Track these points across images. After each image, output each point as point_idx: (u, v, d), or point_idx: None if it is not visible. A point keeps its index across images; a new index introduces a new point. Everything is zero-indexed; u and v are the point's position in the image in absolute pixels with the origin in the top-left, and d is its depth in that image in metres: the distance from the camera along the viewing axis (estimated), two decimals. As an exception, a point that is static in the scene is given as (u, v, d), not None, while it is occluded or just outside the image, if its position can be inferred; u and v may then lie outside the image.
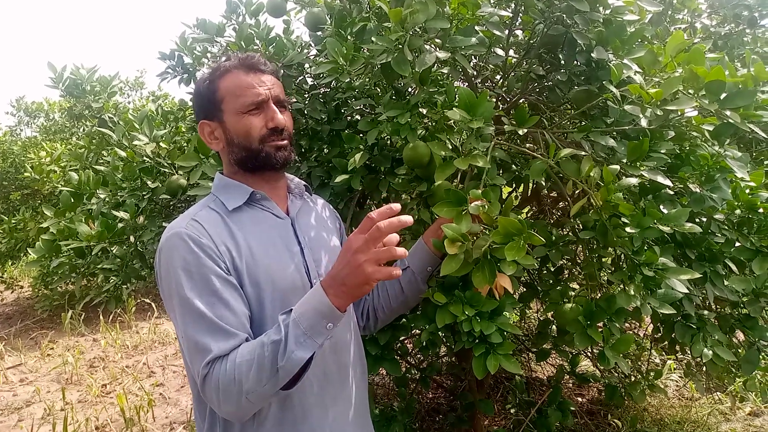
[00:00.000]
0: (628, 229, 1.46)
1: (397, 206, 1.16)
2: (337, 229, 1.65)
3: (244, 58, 1.40)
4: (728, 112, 1.38)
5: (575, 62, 1.85)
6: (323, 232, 1.52)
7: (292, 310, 1.19)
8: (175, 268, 1.23)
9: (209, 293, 1.21)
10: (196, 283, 1.21)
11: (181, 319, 1.22)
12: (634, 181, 1.52)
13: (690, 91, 1.42)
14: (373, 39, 1.61)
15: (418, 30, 1.60)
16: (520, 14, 1.98)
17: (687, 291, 1.51)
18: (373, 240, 1.14)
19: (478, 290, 1.47)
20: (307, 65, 2.22)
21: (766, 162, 1.78)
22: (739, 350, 1.94)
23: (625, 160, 1.57)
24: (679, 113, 1.47)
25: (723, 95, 1.40)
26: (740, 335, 1.92)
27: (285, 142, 1.41)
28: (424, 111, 1.78)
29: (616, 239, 1.53)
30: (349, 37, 1.85)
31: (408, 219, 1.15)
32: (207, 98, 1.40)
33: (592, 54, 1.65)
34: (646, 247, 1.54)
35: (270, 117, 1.37)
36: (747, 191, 1.68)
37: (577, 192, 1.63)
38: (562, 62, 1.86)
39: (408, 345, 2.94)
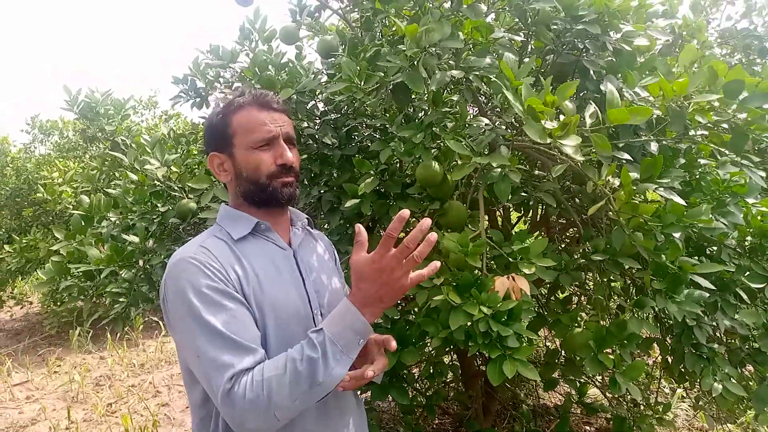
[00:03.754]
0: (650, 224, 1.47)
1: (406, 213, 1.17)
2: (334, 263, 1.66)
3: (257, 95, 1.43)
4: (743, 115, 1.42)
5: (586, 90, 1.86)
6: (323, 266, 1.54)
7: (322, 328, 1.20)
8: (185, 291, 1.23)
9: (223, 312, 1.21)
10: (209, 304, 1.21)
11: (195, 339, 1.20)
12: (651, 186, 1.51)
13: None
14: (388, 58, 1.63)
15: (432, 51, 1.62)
16: (531, 41, 2.00)
17: (712, 288, 1.55)
18: (403, 256, 1.18)
19: (494, 290, 1.45)
20: (318, 91, 2.24)
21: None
22: (751, 383, 1.91)
23: (637, 175, 1.56)
24: (693, 128, 1.49)
25: (742, 96, 1.42)
26: (751, 368, 1.90)
27: (292, 179, 1.43)
28: (437, 130, 1.79)
29: (632, 245, 1.53)
30: (363, 63, 1.87)
31: (426, 222, 1.17)
32: (219, 131, 1.42)
33: (601, 87, 1.65)
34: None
35: (279, 154, 1.39)
36: (759, 217, 1.67)
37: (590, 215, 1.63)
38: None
39: (414, 372, 2.92)
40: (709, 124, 1.53)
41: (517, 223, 2.91)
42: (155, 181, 2.34)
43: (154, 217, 2.35)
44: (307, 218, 1.59)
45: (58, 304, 6.64)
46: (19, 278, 6.90)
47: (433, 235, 1.17)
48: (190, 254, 1.28)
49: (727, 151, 1.66)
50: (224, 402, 1.15)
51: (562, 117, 1.36)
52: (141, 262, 2.25)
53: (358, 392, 1.58)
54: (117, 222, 2.35)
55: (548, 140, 1.31)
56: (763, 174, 1.70)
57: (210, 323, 1.19)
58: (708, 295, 1.57)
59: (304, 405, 1.17)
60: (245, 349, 1.19)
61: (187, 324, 1.22)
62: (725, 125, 1.54)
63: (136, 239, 2.25)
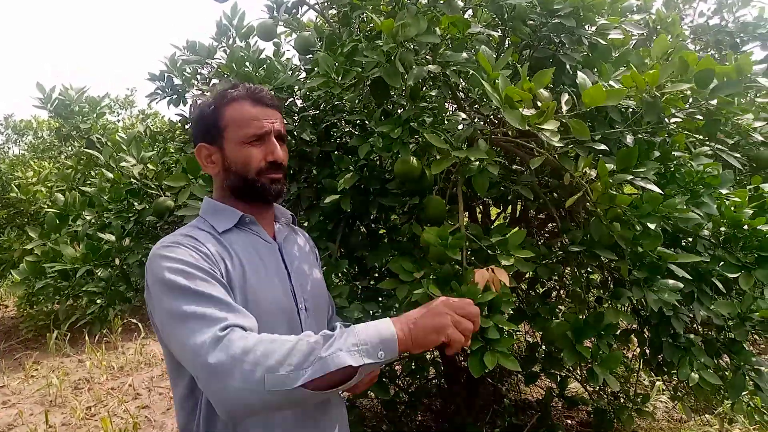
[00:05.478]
0: (628, 214, 1.49)
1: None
2: (316, 260, 1.66)
3: (252, 89, 1.41)
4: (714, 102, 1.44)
5: (563, 84, 1.87)
6: (307, 261, 1.53)
7: (349, 324, 1.16)
8: (169, 271, 1.18)
9: (209, 287, 1.17)
10: (195, 277, 1.17)
11: (182, 306, 1.12)
12: (627, 176, 1.52)
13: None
14: (365, 53, 1.62)
15: (409, 46, 1.63)
16: (508, 37, 2.01)
17: (689, 277, 1.57)
18: (463, 309, 1.17)
19: (473, 283, 1.45)
20: (297, 87, 2.23)
21: (749, 187, 1.80)
22: (726, 373, 1.94)
23: (614, 167, 1.57)
24: (668, 117, 1.51)
25: (712, 85, 1.44)
26: (727, 358, 1.93)
27: (280, 175, 1.41)
28: (415, 125, 1.79)
29: (610, 235, 1.54)
30: (340, 57, 1.87)
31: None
32: (210, 123, 1.40)
33: (577, 80, 1.67)
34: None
35: (270, 150, 1.38)
36: (732, 208, 1.70)
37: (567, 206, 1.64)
38: (550, 85, 1.88)
39: (396, 369, 2.92)
40: (681, 113, 1.56)
41: (496, 219, 2.93)
42: (131, 179, 2.31)
43: (131, 215, 2.31)
44: (291, 215, 1.59)
45: (35, 307, 6.52)
46: (-6, 282, 6.77)
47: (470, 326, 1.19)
48: (176, 239, 1.27)
49: (701, 137, 1.69)
50: (212, 348, 1.04)
51: (539, 104, 1.38)
52: (117, 261, 2.22)
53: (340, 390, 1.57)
54: (92, 220, 2.32)
55: (527, 127, 1.32)
56: (738, 155, 1.73)
57: (196, 290, 1.14)
58: (683, 285, 1.59)
59: (294, 382, 1.02)
60: (237, 310, 1.14)
61: (170, 300, 1.15)
62: (699, 116, 1.57)
63: (112, 238, 2.22)
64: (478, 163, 1.62)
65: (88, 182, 2.93)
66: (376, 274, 2.36)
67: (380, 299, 2.17)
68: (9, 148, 7.95)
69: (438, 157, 1.68)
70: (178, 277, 1.16)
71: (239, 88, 1.41)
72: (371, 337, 1.09)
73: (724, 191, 1.71)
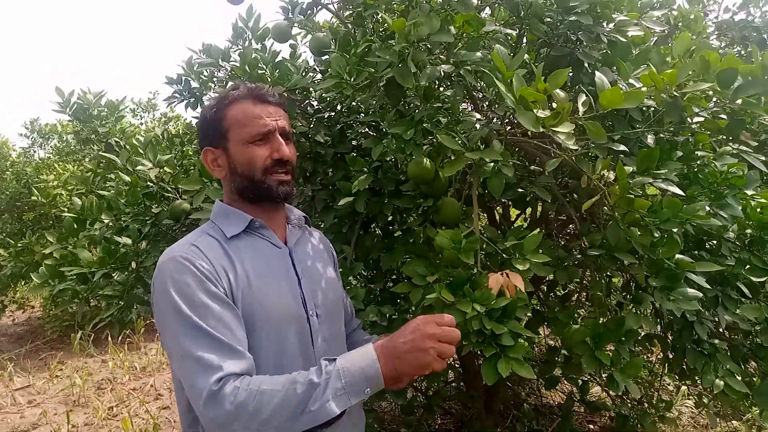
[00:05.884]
0: (646, 219, 1.44)
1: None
2: (332, 261, 1.63)
3: (252, 88, 1.39)
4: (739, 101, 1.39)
5: (581, 83, 1.83)
6: (320, 264, 1.50)
7: (335, 359, 1.17)
8: (171, 291, 1.20)
9: (210, 315, 1.18)
10: (196, 305, 1.19)
11: (180, 338, 1.17)
12: (648, 179, 1.47)
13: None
14: (377, 54, 1.60)
15: (422, 46, 1.60)
16: (525, 35, 1.98)
17: (708, 287, 1.52)
18: (446, 336, 1.17)
19: (487, 288, 1.42)
20: (311, 89, 2.21)
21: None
22: (754, 379, 1.88)
23: (633, 169, 1.52)
24: (690, 117, 1.47)
25: (736, 84, 1.39)
26: (754, 363, 1.86)
27: (288, 177, 1.39)
28: (428, 126, 1.76)
29: (628, 240, 1.49)
30: (353, 58, 1.85)
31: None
32: (212, 126, 1.39)
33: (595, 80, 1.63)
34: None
35: (275, 148, 1.36)
36: (758, 210, 1.64)
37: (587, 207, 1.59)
38: (568, 84, 1.84)
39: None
40: (705, 113, 1.50)
41: (515, 220, 2.88)
42: (148, 182, 2.32)
43: (147, 218, 2.32)
44: (304, 216, 1.56)
45: (59, 307, 6.62)
46: (22, 282, 6.88)
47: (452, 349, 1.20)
48: (180, 253, 1.25)
49: (723, 137, 1.63)
50: (209, 403, 1.11)
51: (554, 105, 1.34)
52: (134, 265, 2.23)
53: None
54: (110, 224, 2.33)
55: (541, 129, 1.28)
56: (763, 158, 1.67)
57: (196, 323, 1.16)
58: (701, 295, 1.53)
59: (291, 430, 1.12)
60: (232, 351, 1.16)
61: (173, 323, 1.19)
62: (723, 116, 1.51)
63: (128, 241, 2.23)
64: (493, 164, 1.59)
65: (107, 186, 2.96)
66: (393, 276, 2.34)
67: (398, 301, 2.15)
68: (35, 152, 8.09)
69: (452, 158, 1.65)
70: (183, 306, 1.19)
71: (240, 88, 1.40)
72: (356, 378, 1.14)
73: (749, 192, 1.65)
